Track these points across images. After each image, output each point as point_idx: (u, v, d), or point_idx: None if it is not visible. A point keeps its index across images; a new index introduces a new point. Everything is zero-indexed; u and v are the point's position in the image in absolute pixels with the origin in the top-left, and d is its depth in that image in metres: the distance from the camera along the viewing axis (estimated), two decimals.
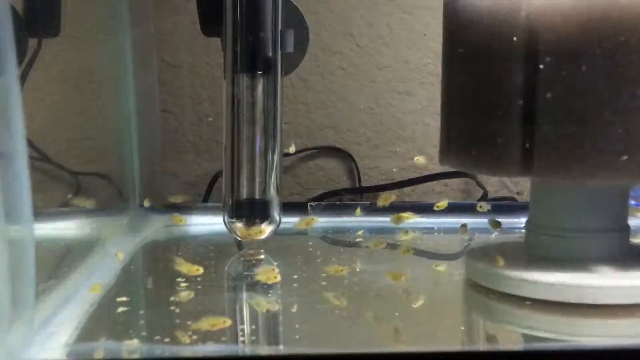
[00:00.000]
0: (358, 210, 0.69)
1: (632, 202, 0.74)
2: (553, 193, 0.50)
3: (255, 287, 0.51)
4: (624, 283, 0.46)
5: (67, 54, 0.63)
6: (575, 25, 0.44)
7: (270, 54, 0.60)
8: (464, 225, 0.67)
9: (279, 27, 0.60)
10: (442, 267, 0.58)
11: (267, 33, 0.60)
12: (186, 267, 0.50)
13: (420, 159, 0.72)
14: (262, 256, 0.61)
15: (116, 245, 0.61)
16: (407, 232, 0.64)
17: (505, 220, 0.66)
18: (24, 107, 0.37)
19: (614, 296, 0.46)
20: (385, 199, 0.64)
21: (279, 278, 0.51)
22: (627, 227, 0.51)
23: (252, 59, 0.60)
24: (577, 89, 0.44)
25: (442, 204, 0.67)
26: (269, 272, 0.51)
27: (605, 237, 0.49)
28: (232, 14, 0.60)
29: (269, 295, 0.50)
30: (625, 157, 0.44)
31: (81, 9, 0.66)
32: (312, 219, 0.63)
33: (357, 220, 0.70)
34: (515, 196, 0.61)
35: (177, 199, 0.71)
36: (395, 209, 0.67)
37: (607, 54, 0.44)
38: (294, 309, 0.47)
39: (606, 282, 0.46)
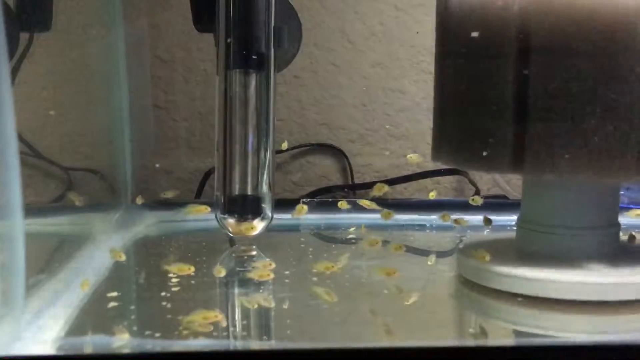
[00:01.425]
0: (343, 203, 0.69)
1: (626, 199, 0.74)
2: (544, 190, 0.50)
3: (247, 283, 0.51)
4: (615, 280, 0.47)
5: (59, 48, 0.63)
6: (567, 23, 0.44)
7: (263, 50, 0.60)
8: (446, 214, 0.67)
9: (272, 23, 0.60)
10: (433, 263, 0.58)
11: (260, 29, 0.60)
12: (177, 267, 0.50)
13: (413, 157, 0.72)
14: (254, 252, 0.60)
15: (108, 241, 0.61)
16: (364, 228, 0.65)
17: (497, 218, 0.67)
18: (15, 101, 0.37)
19: (605, 293, 0.46)
20: (379, 188, 0.65)
21: (272, 275, 0.50)
22: (618, 224, 0.51)
23: (245, 55, 0.60)
24: (568, 86, 0.44)
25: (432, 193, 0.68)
26: (264, 268, 0.51)
27: (595, 234, 0.49)
28: (225, 10, 0.59)
29: (261, 291, 0.50)
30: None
31: (73, 4, 0.66)
32: (303, 208, 0.63)
33: (349, 216, 0.70)
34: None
35: (169, 194, 0.70)
36: (387, 205, 0.67)
37: (598, 51, 0.44)
38: (285, 305, 0.47)
39: (597, 278, 0.47)
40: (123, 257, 0.52)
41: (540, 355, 0.38)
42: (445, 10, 0.51)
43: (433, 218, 0.71)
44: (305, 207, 0.63)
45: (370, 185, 0.82)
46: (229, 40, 0.59)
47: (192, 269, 0.50)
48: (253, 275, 0.51)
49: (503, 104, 0.46)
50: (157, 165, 0.74)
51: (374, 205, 0.65)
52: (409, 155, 0.73)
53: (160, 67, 0.83)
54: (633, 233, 0.57)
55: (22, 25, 0.59)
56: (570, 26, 0.44)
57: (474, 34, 0.47)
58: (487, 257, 0.49)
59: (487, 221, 0.62)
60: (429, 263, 0.58)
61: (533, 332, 0.45)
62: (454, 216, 0.67)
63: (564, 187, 0.49)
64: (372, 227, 0.69)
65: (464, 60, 0.49)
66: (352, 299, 0.48)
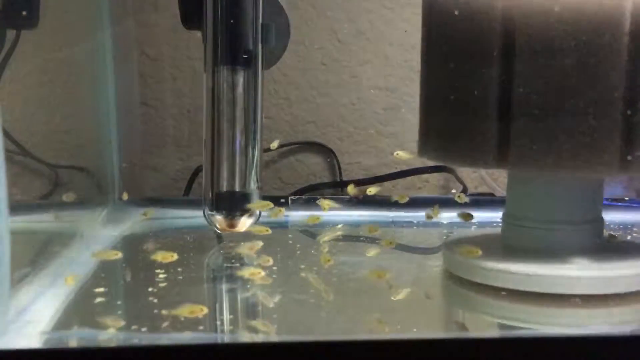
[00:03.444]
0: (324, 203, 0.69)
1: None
2: (529, 185, 0.51)
3: (235, 279, 0.51)
4: (598, 274, 0.47)
5: (47, 46, 0.63)
6: (550, 19, 0.45)
7: (251, 47, 0.60)
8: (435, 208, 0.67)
9: (260, 20, 0.60)
10: (419, 259, 0.58)
11: (248, 26, 0.60)
12: (160, 255, 0.50)
13: (400, 153, 0.73)
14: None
15: (95, 238, 0.61)
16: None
17: (484, 215, 0.67)
18: (1, 99, 0.37)
19: (588, 286, 0.47)
20: (351, 189, 0.65)
21: (262, 274, 0.50)
22: (601, 218, 0.52)
23: (232, 51, 0.60)
24: (552, 82, 0.45)
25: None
26: (258, 268, 0.51)
27: (579, 228, 0.50)
28: (213, 7, 0.60)
29: (248, 286, 0.50)
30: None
31: (61, 1, 0.65)
32: (280, 210, 0.63)
33: (337, 214, 0.70)
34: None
35: (149, 212, 0.69)
36: (376, 202, 0.68)
37: (580, 47, 0.44)
38: (275, 300, 0.47)
39: (580, 272, 0.47)
40: (119, 255, 0.52)
41: (523, 347, 0.38)
42: (430, 8, 0.51)
43: (421, 215, 0.72)
44: (283, 209, 0.63)
45: (358, 182, 0.83)
46: (236, 29, 0.58)
47: (175, 256, 0.50)
48: (244, 273, 0.50)
49: (487, 100, 0.47)
50: (124, 165, 0.73)
51: (333, 204, 0.65)
52: (396, 152, 0.74)
53: (148, 64, 0.83)
54: (612, 233, 0.58)
55: (9, 21, 0.58)
56: (554, 24, 0.45)
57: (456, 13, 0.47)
58: (479, 252, 0.49)
59: (467, 217, 0.62)
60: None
61: (517, 325, 0.45)
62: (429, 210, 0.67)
63: (548, 181, 0.49)
64: (358, 225, 0.70)
65: (449, 58, 0.49)
66: (339, 295, 0.48)
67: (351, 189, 0.65)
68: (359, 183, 0.82)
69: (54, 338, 0.39)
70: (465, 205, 0.68)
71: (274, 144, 0.78)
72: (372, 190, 0.69)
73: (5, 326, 0.38)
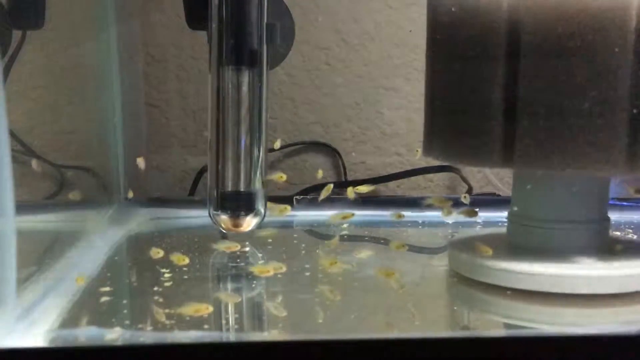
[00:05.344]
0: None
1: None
2: (534, 184, 0.51)
3: (240, 278, 0.51)
4: (604, 273, 0.47)
5: (52, 46, 0.63)
6: (555, 19, 0.45)
7: (256, 47, 0.60)
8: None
9: (265, 20, 0.61)
10: (425, 259, 0.58)
11: (253, 26, 0.60)
12: (175, 257, 0.50)
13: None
14: (247, 248, 0.61)
15: (101, 238, 0.61)
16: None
17: (489, 215, 0.67)
18: (7, 99, 0.37)
19: (594, 286, 0.47)
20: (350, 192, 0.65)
21: (271, 272, 0.50)
22: (608, 218, 0.52)
23: (237, 52, 0.60)
24: (557, 81, 0.45)
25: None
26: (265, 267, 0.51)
27: (585, 228, 0.50)
28: (218, 7, 0.60)
29: (253, 285, 0.50)
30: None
31: (66, 2, 0.66)
32: (286, 208, 0.62)
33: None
34: None
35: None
36: (381, 202, 0.67)
37: (586, 46, 0.44)
38: (278, 299, 0.47)
39: (586, 272, 0.47)
40: (186, 261, 0.52)
41: (528, 346, 0.38)
42: (436, 8, 0.51)
43: (426, 214, 0.72)
44: (288, 207, 0.63)
45: (362, 182, 0.83)
46: (241, 29, 0.56)
47: (187, 260, 0.50)
48: (254, 269, 0.50)
49: (493, 99, 0.47)
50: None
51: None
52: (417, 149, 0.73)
53: (153, 65, 0.84)
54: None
55: (15, 22, 0.59)
56: (559, 23, 0.45)
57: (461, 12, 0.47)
58: (490, 251, 0.49)
59: (471, 213, 0.61)
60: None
61: (522, 324, 0.45)
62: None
63: (554, 181, 0.49)
64: (363, 225, 0.70)
65: (455, 57, 0.49)
66: (344, 294, 0.48)
67: (350, 192, 0.66)
68: (363, 183, 0.82)
69: (60, 337, 0.39)
70: (471, 205, 0.68)
71: (277, 144, 0.78)
72: (364, 189, 0.69)
73: (12, 325, 0.38)
